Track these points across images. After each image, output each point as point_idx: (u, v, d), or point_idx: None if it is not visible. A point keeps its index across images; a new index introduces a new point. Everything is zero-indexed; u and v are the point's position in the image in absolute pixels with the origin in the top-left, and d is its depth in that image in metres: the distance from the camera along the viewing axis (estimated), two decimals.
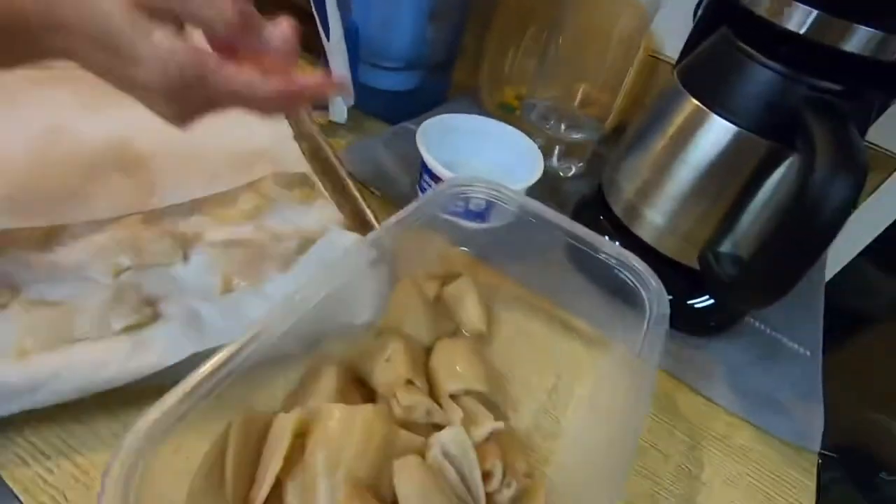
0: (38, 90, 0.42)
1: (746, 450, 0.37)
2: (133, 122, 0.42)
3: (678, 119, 0.40)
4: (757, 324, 0.47)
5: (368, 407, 0.26)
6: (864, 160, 0.29)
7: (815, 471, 0.37)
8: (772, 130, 0.35)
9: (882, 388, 0.98)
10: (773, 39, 0.35)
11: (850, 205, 0.29)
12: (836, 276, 0.75)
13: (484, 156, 0.55)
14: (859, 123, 0.35)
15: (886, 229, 0.62)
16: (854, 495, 0.84)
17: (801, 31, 0.33)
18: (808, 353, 0.46)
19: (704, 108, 0.38)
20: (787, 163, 0.36)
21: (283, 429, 0.24)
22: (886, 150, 0.56)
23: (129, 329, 0.30)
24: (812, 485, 0.36)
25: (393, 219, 0.34)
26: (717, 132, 0.37)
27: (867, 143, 0.57)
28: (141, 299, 0.31)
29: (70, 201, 0.36)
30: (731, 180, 0.38)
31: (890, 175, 0.57)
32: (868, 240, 0.62)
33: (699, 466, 0.35)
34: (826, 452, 0.38)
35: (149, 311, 0.31)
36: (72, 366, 0.27)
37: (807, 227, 0.30)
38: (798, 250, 0.31)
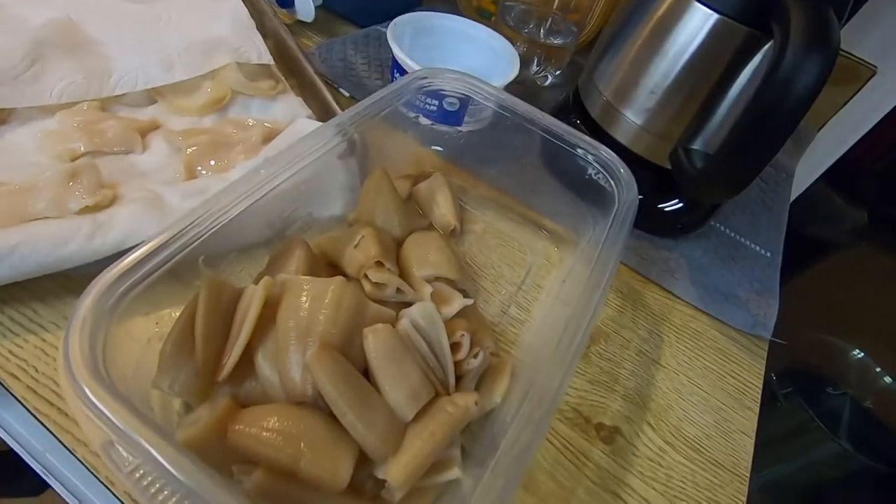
0: None
1: (703, 337, 0.39)
2: (80, 5, 0.39)
3: (659, 10, 0.39)
4: (722, 228, 0.49)
5: (339, 279, 0.26)
6: (837, 39, 0.29)
7: (765, 356, 0.39)
8: (752, 16, 0.35)
9: (835, 312, 1.04)
10: None
11: (821, 83, 0.29)
12: (801, 200, 0.77)
13: (458, 59, 0.53)
14: (837, 12, 0.35)
15: (852, 150, 0.63)
16: (802, 406, 0.91)
17: None
18: (769, 254, 0.48)
19: None
20: (762, 51, 0.35)
21: (254, 296, 0.24)
22: (860, 59, 0.56)
23: (88, 210, 0.29)
24: (761, 368, 0.38)
25: (358, 106, 0.33)
26: (697, 20, 0.37)
27: (842, 53, 0.56)
28: (99, 180, 0.30)
29: (14, 85, 0.34)
30: (707, 73, 0.37)
31: (864, 85, 0.57)
32: (839, 154, 0.63)
33: (658, 351, 0.37)
34: (776, 340, 0.40)
35: (108, 193, 0.30)
36: (30, 241, 0.26)
37: (775, 105, 0.30)
38: (765, 134, 0.31)
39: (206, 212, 0.24)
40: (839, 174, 0.80)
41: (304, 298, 0.25)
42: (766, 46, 0.35)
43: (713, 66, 0.37)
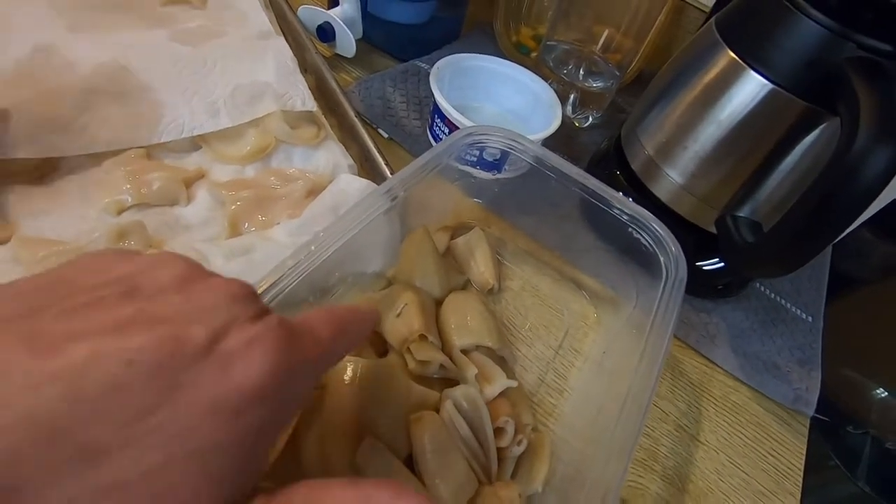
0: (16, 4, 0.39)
1: (743, 411, 0.38)
2: (128, 49, 0.39)
3: (711, 73, 0.38)
4: (763, 288, 0.47)
5: (385, 361, 0.26)
6: None
7: (806, 433, 0.38)
8: (811, 91, 0.33)
9: (859, 348, 1.01)
10: None
11: (891, 174, 0.27)
12: None
13: (498, 100, 0.52)
14: None
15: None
16: (821, 444, 0.89)
17: None
18: (811, 318, 0.46)
19: (741, 61, 0.36)
20: (821, 127, 0.34)
21: None
22: None
23: None
24: (803, 447, 0.37)
25: (407, 169, 0.33)
26: (751, 89, 0.35)
27: None
28: (146, 238, 0.30)
29: (63, 132, 0.34)
30: (759, 142, 0.36)
31: None
32: (880, 206, 0.61)
33: (697, 425, 0.36)
34: (819, 416, 0.39)
35: (154, 253, 0.30)
36: None
37: (841, 195, 0.29)
38: (826, 220, 0.30)
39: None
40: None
41: (350, 380, 0.25)
42: (826, 123, 0.34)
43: (766, 136, 0.36)
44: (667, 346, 0.28)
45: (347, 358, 0.26)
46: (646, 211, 0.35)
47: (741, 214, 0.39)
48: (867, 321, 1.06)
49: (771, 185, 0.37)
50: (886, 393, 1.03)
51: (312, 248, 0.27)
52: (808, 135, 0.35)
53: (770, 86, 0.35)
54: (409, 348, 0.29)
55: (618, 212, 0.35)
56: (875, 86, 0.29)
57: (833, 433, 0.97)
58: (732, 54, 0.36)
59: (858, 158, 0.28)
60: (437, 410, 0.27)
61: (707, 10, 0.59)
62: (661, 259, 0.33)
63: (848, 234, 0.79)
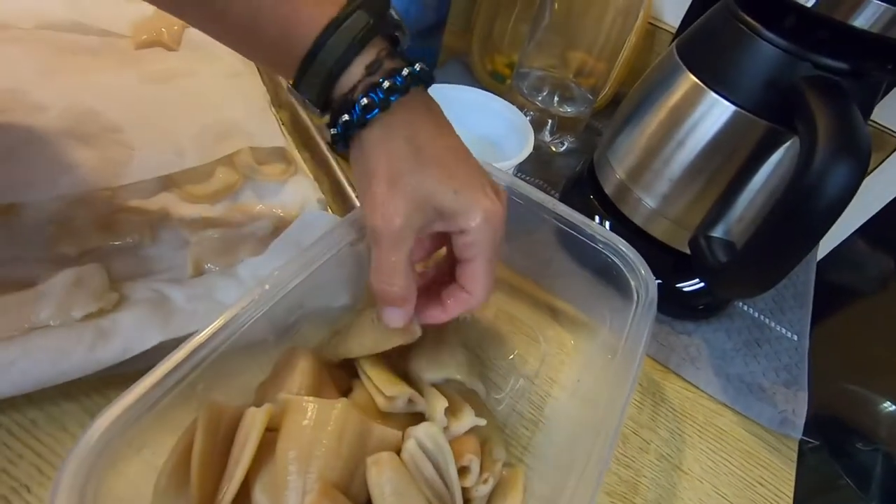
0: None
1: (728, 437, 0.37)
2: (97, 92, 0.40)
3: (674, 96, 0.38)
4: (746, 308, 0.47)
5: (342, 402, 0.25)
6: (868, 145, 0.28)
7: (795, 457, 0.37)
8: (771, 111, 0.34)
9: (862, 361, 1.00)
10: (777, 12, 0.33)
11: (851, 192, 0.27)
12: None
13: (472, 128, 0.52)
14: (864, 104, 0.34)
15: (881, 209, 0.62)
16: (830, 463, 0.87)
17: (809, 4, 0.31)
18: (796, 337, 0.45)
19: (703, 85, 0.36)
20: (785, 146, 0.34)
21: (253, 425, 0.23)
22: (887, 128, 0.55)
23: (92, 316, 0.28)
24: (792, 473, 0.36)
25: None
26: (714, 112, 0.36)
27: (870, 122, 0.55)
28: (105, 284, 0.30)
29: (28, 176, 0.34)
30: (726, 163, 0.36)
31: (890, 154, 0.56)
32: (864, 219, 0.61)
33: (680, 454, 0.35)
34: (807, 439, 0.38)
35: (113, 297, 0.29)
36: (30, 355, 0.26)
37: (804, 214, 0.28)
38: (793, 239, 0.30)
39: (214, 332, 0.24)
40: (866, 222, 0.77)
41: (306, 424, 0.24)
42: (790, 141, 0.34)
43: (732, 157, 0.36)
44: (637, 367, 0.28)
45: (303, 399, 0.25)
46: (614, 234, 0.34)
47: (715, 235, 0.38)
48: (867, 334, 1.05)
49: (741, 204, 0.37)
50: (894, 407, 1.00)
51: (272, 282, 0.26)
52: (773, 153, 0.35)
53: (732, 107, 0.35)
54: (376, 386, 0.28)
55: (588, 237, 0.35)
56: (831, 104, 0.29)
57: (842, 452, 0.94)
58: (694, 78, 0.36)
59: (818, 176, 0.28)
60: (400, 451, 0.26)
61: (674, 31, 0.60)
62: (632, 282, 0.33)
63: (842, 245, 0.79)
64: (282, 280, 0.27)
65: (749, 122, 0.34)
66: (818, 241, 0.30)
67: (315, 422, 0.24)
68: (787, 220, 0.30)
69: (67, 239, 0.32)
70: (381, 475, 0.24)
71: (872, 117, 0.55)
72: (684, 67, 0.37)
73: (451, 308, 0.28)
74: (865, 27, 0.30)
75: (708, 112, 0.36)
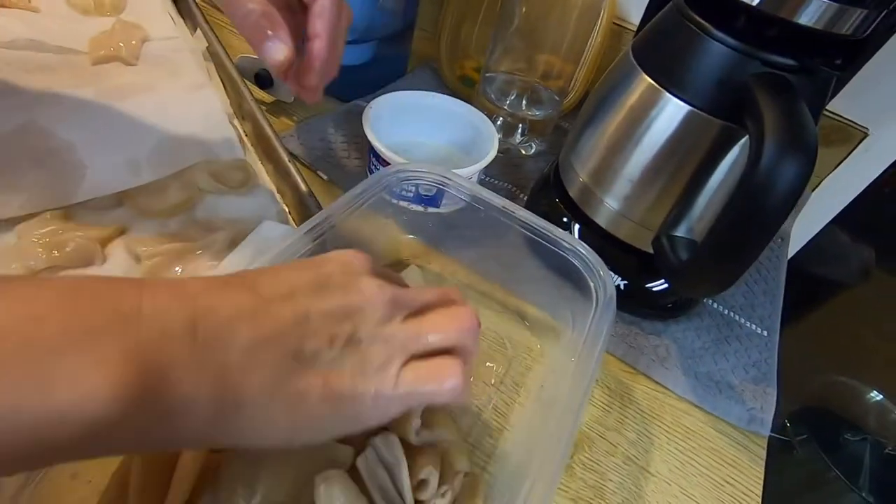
0: None
1: (696, 437, 0.37)
2: (51, 110, 0.39)
3: (631, 98, 0.38)
4: (715, 305, 0.47)
5: None
6: (814, 140, 0.28)
7: (764, 455, 0.37)
8: (725, 110, 0.34)
9: (848, 352, 1.00)
10: (726, 12, 0.33)
11: (800, 187, 0.27)
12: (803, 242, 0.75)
13: (440, 134, 0.52)
14: (815, 99, 0.34)
15: (854, 199, 0.62)
16: (818, 454, 0.87)
17: (755, 3, 0.31)
18: (766, 333, 0.45)
19: (657, 85, 0.36)
20: (740, 143, 0.34)
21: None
22: (852, 121, 0.55)
23: None
24: (761, 471, 0.36)
25: (332, 208, 0.32)
26: (669, 111, 0.36)
27: (834, 116, 0.55)
28: None
29: None
30: (684, 163, 0.36)
31: (856, 147, 0.56)
32: (835, 212, 0.62)
33: (647, 456, 0.35)
34: (776, 435, 0.38)
35: None
36: None
37: (755, 211, 0.28)
38: (747, 235, 0.30)
39: None
40: (841, 213, 0.78)
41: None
42: (745, 139, 0.34)
43: (689, 156, 0.36)
44: (594, 365, 0.28)
45: None
46: (573, 237, 0.34)
47: (678, 234, 0.38)
48: (852, 325, 1.05)
49: (701, 203, 0.37)
50: (882, 396, 1.01)
51: None
52: (729, 151, 0.35)
53: (686, 107, 0.35)
54: None
55: (550, 240, 0.35)
56: (779, 99, 0.29)
57: (831, 444, 0.94)
58: (649, 79, 0.36)
59: (767, 173, 0.28)
60: (353, 464, 0.25)
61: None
62: (591, 283, 0.33)
63: (823, 237, 0.79)
64: None
65: (704, 122, 0.34)
66: (772, 236, 0.30)
67: None
68: (740, 217, 0.30)
69: (13, 263, 0.32)
70: (330, 495, 0.23)
71: (838, 111, 0.55)
72: (639, 69, 0.37)
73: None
74: (810, 24, 0.30)
75: (663, 112, 0.36)
